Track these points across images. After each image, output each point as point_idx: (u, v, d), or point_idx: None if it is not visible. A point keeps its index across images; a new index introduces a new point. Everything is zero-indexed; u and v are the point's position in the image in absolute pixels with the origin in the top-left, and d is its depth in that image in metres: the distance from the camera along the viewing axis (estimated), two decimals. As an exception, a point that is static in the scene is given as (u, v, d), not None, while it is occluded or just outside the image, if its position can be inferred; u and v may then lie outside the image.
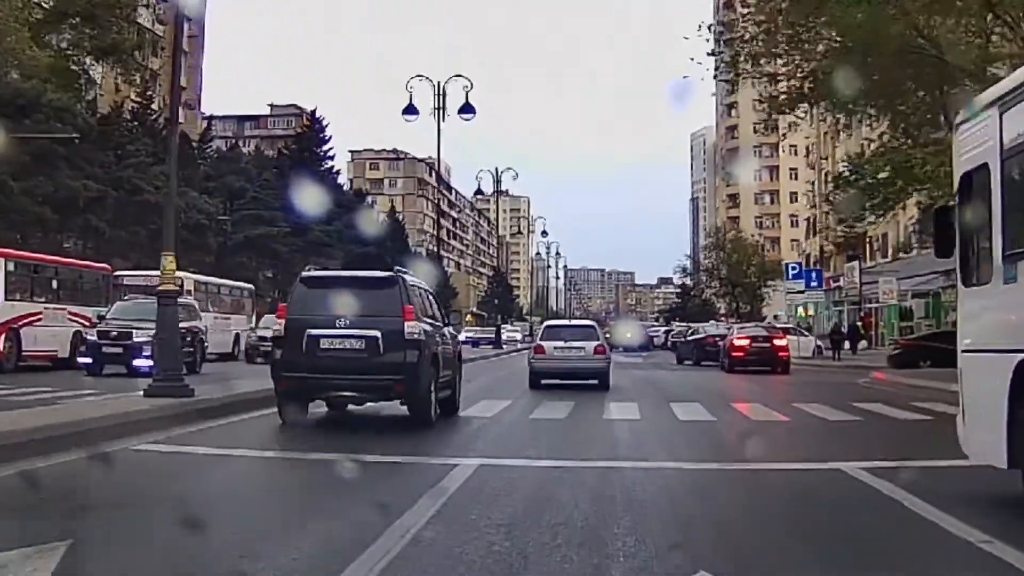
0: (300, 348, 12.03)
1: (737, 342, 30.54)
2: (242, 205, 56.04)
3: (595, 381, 20.86)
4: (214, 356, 32.54)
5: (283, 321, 12.47)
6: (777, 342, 30.72)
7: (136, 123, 54.57)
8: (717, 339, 35.17)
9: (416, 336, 12.18)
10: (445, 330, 14.32)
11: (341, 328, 12.03)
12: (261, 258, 58.68)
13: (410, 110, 34.51)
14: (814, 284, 43.84)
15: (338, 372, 12.05)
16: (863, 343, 46.97)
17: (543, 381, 20.74)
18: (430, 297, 14.31)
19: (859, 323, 48.55)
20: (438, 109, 35.09)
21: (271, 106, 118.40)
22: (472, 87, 34.57)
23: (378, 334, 12.01)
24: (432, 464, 9.18)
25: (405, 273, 13.16)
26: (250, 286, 40.88)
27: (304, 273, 13.24)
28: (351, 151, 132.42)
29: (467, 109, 34.48)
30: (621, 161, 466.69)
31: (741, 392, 21.81)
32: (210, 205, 50.27)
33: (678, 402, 16.83)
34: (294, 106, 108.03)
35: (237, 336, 35.43)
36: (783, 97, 24.19)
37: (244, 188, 57.49)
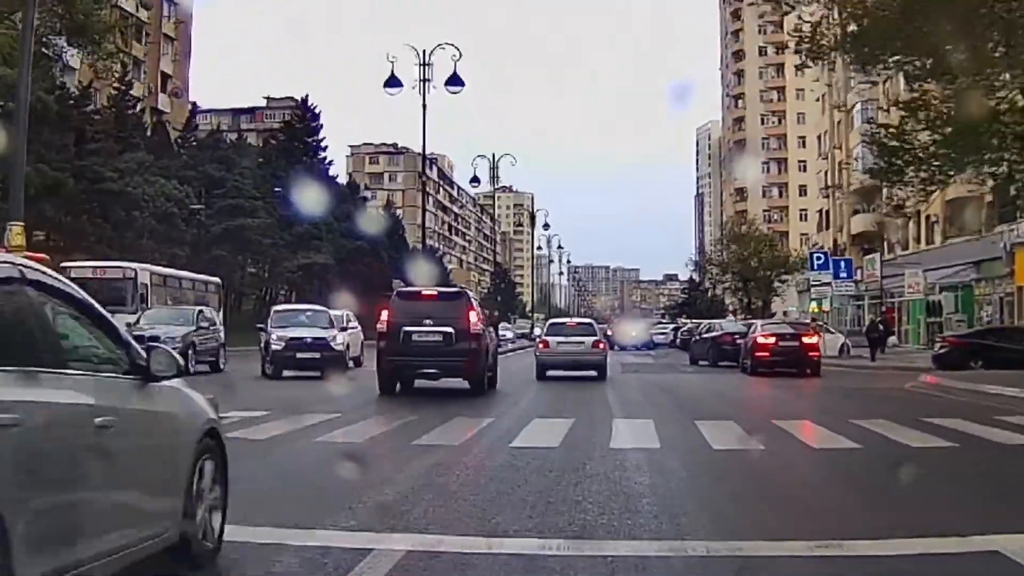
0: (399, 340, 16.87)
1: (762, 340, 26.93)
2: (220, 195, 52.20)
3: (594, 372, 22.79)
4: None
5: (387, 322, 17.10)
6: (806, 340, 27.14)
7: (113, 108, 51.01)
8: (736, 337, 31.53)
9: (477, 331, 17.12)
10: (490, 329, 19.65)
11: (426, 326, 16.86)
12: (244, 252, 54.91)
13: (393, 82, 30.96)
14: (843, 275, 39.65)
15: (424, 356, 16.86)
16: (892, 339, 43.12)
17: (548, 372, 22.91)
18: (481, 306, 19.76)
19: (883, 319, 44.70)
20: (423, 80, 31.37)
21: (267, 99, 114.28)
22: (460, 56, 30.92)
23: (452, 330, 16.83)
24: (332, 550, 5.59)
25: (467, 290, 20.21)
26: (216, 279, 37.44)
27: (398, 289, 18.50)
28: (351, 145, 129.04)
29: (455, 81, 30.79)
30: (622, 161, 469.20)
31: (777, 403, 18.28)
32: (179, 192, 46.36)
33: (705, 419, 13.14)
34: (290, 99, 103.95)
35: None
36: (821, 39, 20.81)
37: (224, 177, 53.62)
